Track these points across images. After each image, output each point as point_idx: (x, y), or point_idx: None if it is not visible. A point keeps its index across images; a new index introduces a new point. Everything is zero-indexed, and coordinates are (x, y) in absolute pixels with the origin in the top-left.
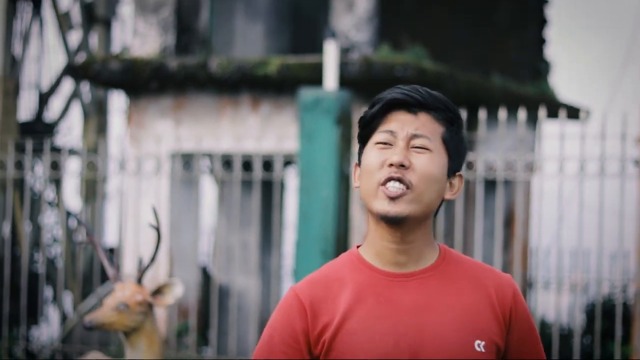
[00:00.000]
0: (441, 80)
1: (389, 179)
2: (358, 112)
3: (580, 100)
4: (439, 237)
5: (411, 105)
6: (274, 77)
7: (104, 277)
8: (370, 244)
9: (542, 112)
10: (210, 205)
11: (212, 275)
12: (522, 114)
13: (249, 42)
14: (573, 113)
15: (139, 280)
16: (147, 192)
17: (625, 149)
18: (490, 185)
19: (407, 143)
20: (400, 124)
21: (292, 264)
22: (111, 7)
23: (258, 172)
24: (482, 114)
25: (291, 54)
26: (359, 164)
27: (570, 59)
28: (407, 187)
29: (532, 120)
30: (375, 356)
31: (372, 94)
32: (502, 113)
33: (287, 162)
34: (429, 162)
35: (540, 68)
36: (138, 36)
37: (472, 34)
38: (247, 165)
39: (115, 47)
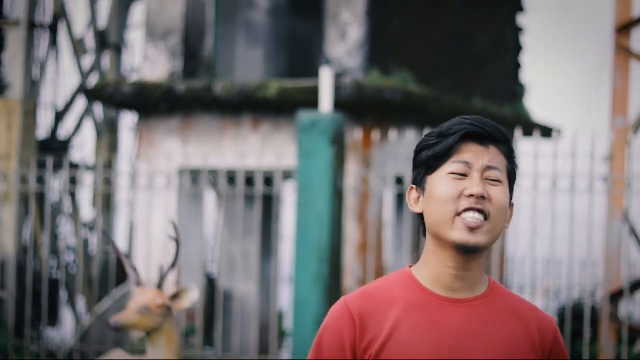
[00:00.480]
0: (426, 103)
1: (469, 209)
2: (351, 133)
3: (553, 121)
4: (409, 249)
5: (483, 138)
6: (273, 99)
7: (118, 282)
8: (427, 266)
9: (518, 132)
10: (214, 217)
11: (216, 282)
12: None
13: (249, 67)
14: (546, 132)
15: (160, 286)
16: (157, 205)
17: (594, 166)
18: None
19: (481, 174)
20: (474, 155)
21: (290, 271)
22: (121, 34)
23: (259, 187)
24: None
25: (288, 78)
26: (417, 188)
27: (545, 82)
28: (485, 219)
29: (510, 140)
30: None
31: (364, 116)
32: None
33: (286, 177)
34: (502, 194)
35: (516, 91)
36: (148, 61)
37: (454, 60)
38: (249, 180)
39: (125, 70)
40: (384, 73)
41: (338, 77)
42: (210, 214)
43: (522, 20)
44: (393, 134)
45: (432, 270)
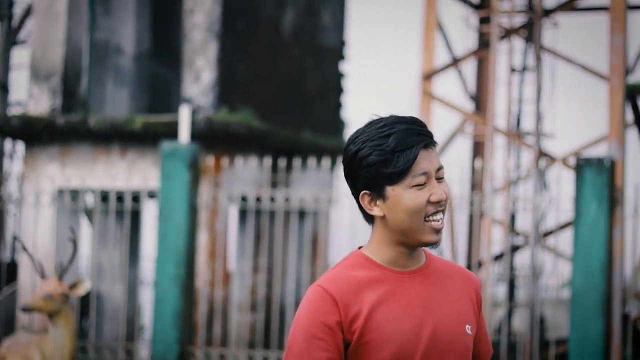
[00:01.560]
0: (265, 135)
1: (435, 213)
2: (204, 160)
3: None
4: (264, 253)
5: (428, 142)
6: (138, 131)
7: (7, 282)
8: (380, 250)
9: (339, 159)
10: (88, 229)
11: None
12: (325, 161)
13: (118, 104)
14: None
15: (60, 278)
16: (40, 220)
17: None
18: (302, 214)
19: (436, 175)
20: (428, 162)
21: (151, 274)
22: (6, 73)
23: (128, 204)
24: (297, 162)
25: (151, 114)
26: (373, 194)
27: (364, 117)
28: (444, 213)
29: (333, 166)
30: (401, 343)
31: (214, 146)
32: (311, 161)
33: (150, 196)
34: (447, 185)
35: (338, 126)
36: (33, 98)
37: (289, 99)
38: (119, 198)
39: (11, 105)
40: (231, 110)
41: (193, 113)
42: (85, 226)
43: (343, 66)
44: (239, 160)
45: (387, 254)
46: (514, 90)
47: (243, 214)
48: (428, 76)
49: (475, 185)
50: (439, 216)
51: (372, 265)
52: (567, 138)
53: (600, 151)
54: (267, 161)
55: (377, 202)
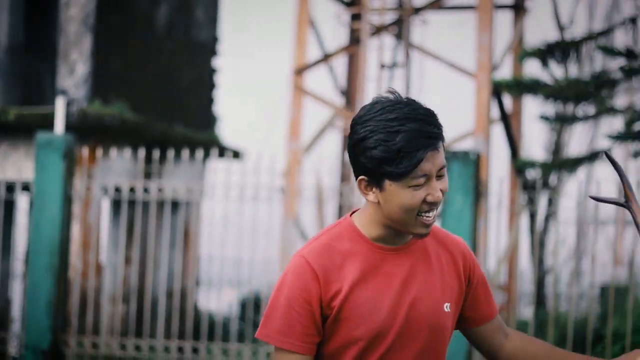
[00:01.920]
0: (138, 128)
1: (430, 210)
2: (78, 151)
3: (243, 144)
4: (136, 244)
5: (437, 142)
6: (12, 123)
7: None
8: (371, 228)
9: (212, 152)
10: None
11: None
12: (197, 154)
13: None
14: (236, 154)
15: None
16: None
17: (273, 180)
18: (174, 207)
19: (437, 174)
20: (431, 163)
21: (24, 264)
22: None
23: (1, 194)
24: (170, 153)
25: (25, 105)
26: (370, 181)
27: (237, 113)
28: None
29: (205, 159)
30: (379, 321)
31: (89, 137)
32: (184, 153)
33: (24, 188)
34: (447, 180)
35: (210, 120)
36: None
37: (162, 93)
38: None
39: None
40: (105, 102)
41: (68, 105)
42: None
43: (216, 62)
44: (112, 152)
45: (376, 232)
46: (384, 86)
47: (117, 205)
48: (300, 71)
49: (345, 176)
50: (432, 213)
51: (359, 239)
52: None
53: (466, 145)
54: (141, 153)
55: (374, 190)
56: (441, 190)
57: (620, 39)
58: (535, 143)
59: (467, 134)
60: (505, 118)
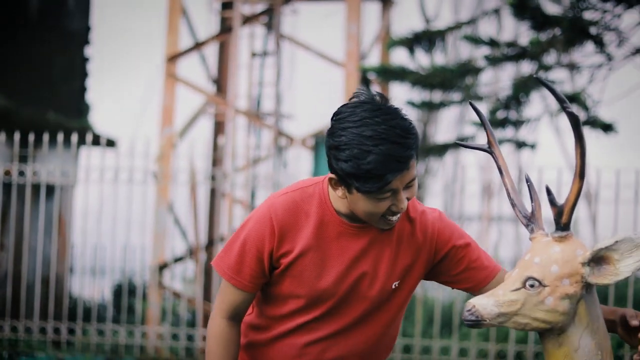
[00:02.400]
0: (10, 114)
1: (394, 214)
2: None
3: (117, 130)
4: (11, 229)
5: (407, 166)
6: None
7: None
8: (340, 205)
9: (87, 139)
10: None
11: None
12: (73, 138)
13: None
14: (110, 142)
15: None
16: None
17: (147, 164)
18: (49, 193)
19: (406, 185)
20: (399, 182)
21: None
22: None
23: None
24: (45, 137)
25: None
26: (338, 183)
27: (111, 100)
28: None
29: (79, 147)
30: (321, 288)
31: None
32: (57, 140)
33: None
34: (416, 185)
35: (83, 108)
36: None
37: (36, 80)
38: None
39: None
40: None
41: None
42: None
43: (88, 51)
44: None
45: (343, 209)
46: (255, 74)
47: None
48: (172, 58)
49: (216, 161)
50: (395, 217)
51: (326, 208)
52: (307, 120)
53: None
54: (16, 137)
55: (342, 188)
56: (407, 198)
57: (484, 29)
58: None
59: None
60: None
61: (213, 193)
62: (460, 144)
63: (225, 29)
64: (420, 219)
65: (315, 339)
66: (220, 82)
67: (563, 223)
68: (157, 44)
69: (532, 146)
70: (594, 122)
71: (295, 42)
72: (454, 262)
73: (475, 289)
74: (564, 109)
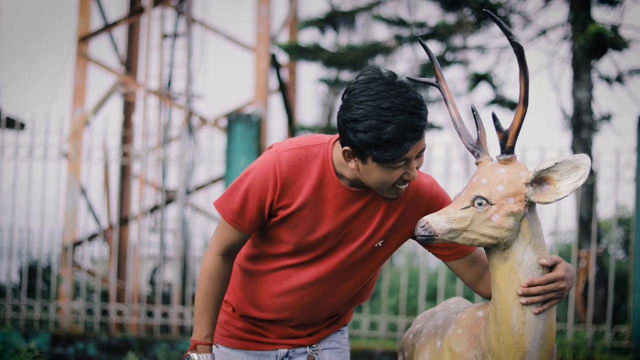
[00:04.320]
0: None
1: (404, 183)
2: None
3: (28, 114)
4: None
5: (422, 135)
6: None
7: None
8: (344, 171)
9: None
10: None
11: None
12: None
13: None
14: (22, 125)
15: None
16: None
17: (61, 143)
18: None
19: (416, 155)
20: (413, 151)
21: None
22: None
23: None
24: None
25: None
26: (353, 154)
27: (20, 81)
28: None
29: None
30: (310, 240)
31: None
32: None
33: None
34: (423, 157)
35: None
36: None
37: None
38: None
39: None
40: None
41: None
42: None
43: None
44: None
45: (346, 174)
46: (166, 55)
47: None
48: (84, 39)
49: (127, 139)
50: (404, 185)
51: (327, 170)
52: (219, 101)
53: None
54: None
55: (355, 160)
56: (417, 167)
57: (393, 9)
58: (309, 111)
59: (247, 103)
60: (282, 87)
61: (124, 172)
62: (411, 78)
63: (136, 10)
64: (413, 186)
65: (296, 286)
66: (131, 63)
67: (508, 147)
68: (69, 25)
69: (439, 127)
70: (502, 101)
71: (205, 25)
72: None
73: (451, 258)
74: (509, 39)
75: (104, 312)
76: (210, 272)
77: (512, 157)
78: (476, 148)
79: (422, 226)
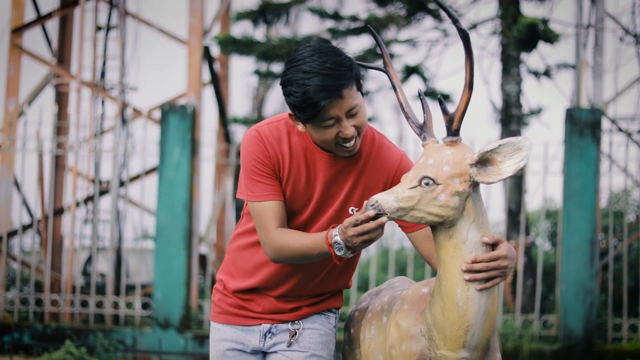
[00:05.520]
0: None
1: (346, 141)
2: None
3: None
4: None
5: (339, 93)
6: None
7: None
8: (313, 137)
9: None
10: None
11: None
12: None
13: None
14: None
15: None
16: None
17: None
18: None
19: (347, 114)
20: (337, 109)
21: None
22: None
23: None
24: None
25: None
26: (295, 117)
27: None
28: (356, 138)
29: None
30: (296, 202)
31: None
32: None
33: None
34: (361, 114)
35: None
36: None
37: None
38: None
39: None
40: None
41: None
42: None
43: None
44: None
45: (317, 141)
46: (99, 47)
47: None
48: (17, 30)
49: (60, 130)
50: (349, 143)
51: (307, 137)
52: (152, 93)
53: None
54: None
55: (299, 123)
56: (355, 126)
57: (328, 2)
58: (241, 103)
59: (180, 95)
60: (215, 79)
61: (58, 164)
62: (360, 63)
63: (69, 2)
64: (385, 149)
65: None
66: (64, 55)
67: (454, 129)
68: (2, 16)
69: (370, 119)
70: (433, 94)
71: (138, 18)
72: None
73: (408, 230)
74: (456, 26)
75: (38, 302)
76: (282, 242)
77: (457, 139)
78: (423, 131)
79: (372, 205)
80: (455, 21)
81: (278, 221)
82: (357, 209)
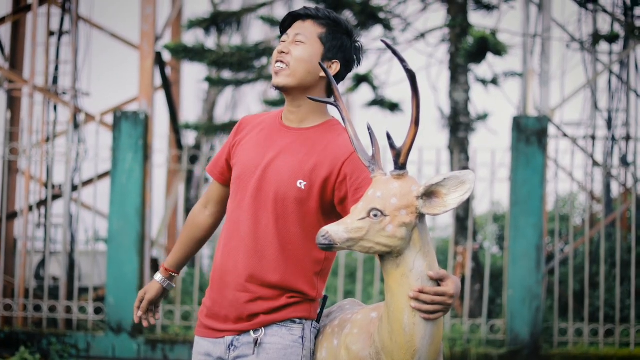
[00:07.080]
0: None
1: (277, 62)
2: None
3: None
4: None
5: (302, 17)
6: None
7: None
8: (286, 118)
9: None
10: None
11: None
12: None
13: None
14: None
15: None
16: None
17: None
18: None
19: (293, 40)
20: (294, 29)
21: None
22: None
23: None
24: None
25: None
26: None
27: None
28: (286, 66)
29: None
30: (245, 170)
31: None
32: None
33: None
34: (300, 50)
35: None
36: None
37: None
38: None
39: None
40: None
41: None
42: None
43: None
44: None
45: (285, 110)
46: (52, 52)
47: None
48: None
49: (12, 137)
50: (277, 64)
51: (277, 117)
52: (105, 98)
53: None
54: None
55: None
56: (291, 54)
57: (279, 11)
58: (192, 108)
59: (132, 100)
60: (166, 85)
61: (10, 168)
62: (311, 98)
63: (22, 7)
64: (343, 139)
65: (239, 225)
66: (16, 59)
67: (401, 163)
68: None
69: None
70: (382, 102)
71: (91, 23)
72: (343, 204)
73: None
74: (403, 66)
75: None
76: (187, 220)
77: (404, 172)
78: (371, 163)
79: (323, 235)
80: (402, 61)
81: (205, 199)
82: (305, 182)
